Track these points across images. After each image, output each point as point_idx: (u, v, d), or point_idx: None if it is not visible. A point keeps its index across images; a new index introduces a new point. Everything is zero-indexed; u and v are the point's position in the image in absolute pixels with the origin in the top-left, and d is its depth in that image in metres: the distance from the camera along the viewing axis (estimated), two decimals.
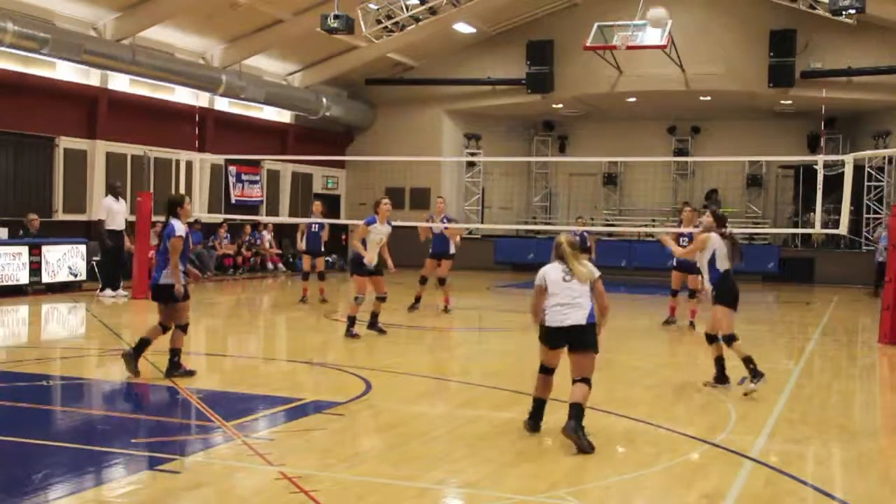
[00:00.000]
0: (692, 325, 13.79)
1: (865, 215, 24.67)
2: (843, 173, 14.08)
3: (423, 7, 22.09)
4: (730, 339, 8.82)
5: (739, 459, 6.43)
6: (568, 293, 6.87)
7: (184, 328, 9.00)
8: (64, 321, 14.72)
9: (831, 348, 13.00)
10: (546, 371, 7.10)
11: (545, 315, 6.92)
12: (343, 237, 28.29)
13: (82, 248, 17.83)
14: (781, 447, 6.92)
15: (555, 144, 30.71)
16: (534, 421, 7.10)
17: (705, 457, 6.59)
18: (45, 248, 17.08)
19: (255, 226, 24.37)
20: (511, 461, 6.24)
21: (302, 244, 17.07)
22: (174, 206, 8.96)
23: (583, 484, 5.89)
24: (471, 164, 28.56)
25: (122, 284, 16.97)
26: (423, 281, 15.41)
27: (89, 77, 20.01)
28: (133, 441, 6.72)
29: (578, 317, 6.82)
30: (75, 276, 17.63)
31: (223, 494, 5.48)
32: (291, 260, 25.64)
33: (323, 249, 17.19)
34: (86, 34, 19.25)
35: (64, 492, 5.37)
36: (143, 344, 8.91)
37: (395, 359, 10.91)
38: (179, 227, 8.80)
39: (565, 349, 6.97)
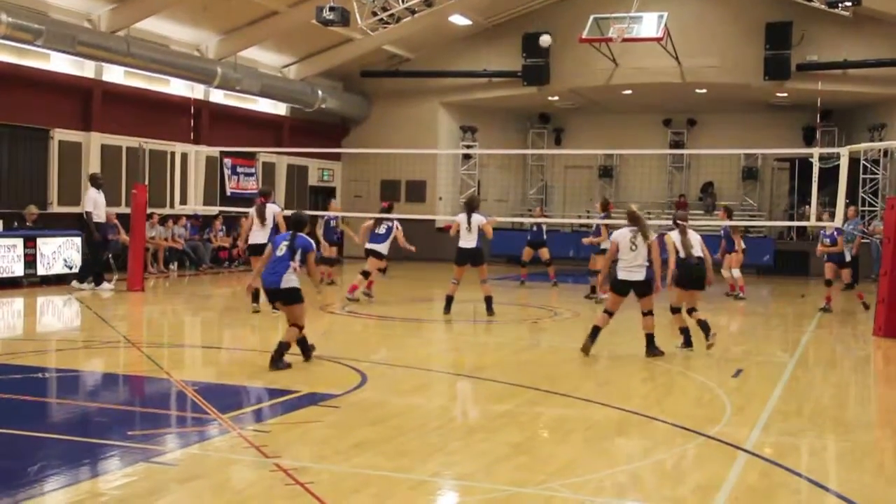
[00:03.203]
0: (826, 309, 15.68)
1: (861, 208, 24.71)
2: (838, 166, 14.12)
3: None
4: (674, 310, 11.02)
5: (734, 452, 6.44)
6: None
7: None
8: (59, 313, 14.70)
9: (826, 341, 13.03)
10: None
11: None
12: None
13: (77, 240, 17.77)
14: (776, 439, 6.94)
15: (550, 137, 30.68)
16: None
17: (700, 449, 6.61)
18: (40, 241, 17.04)
19: None
20: (506, 454, 6.25)
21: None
22: (302, 226, 9.55)
23: (577, 476, 5.90)
24: (466, 157, 28.53)
25: (104, 277, 16.80)
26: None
27: (84, 69, 19.95)
28: (129, 433, 6.72)
29: None
30: (70, 268, 17.57)
31: (219, 486, 5.49)
32: None
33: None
34: (80, 25, 19.18)
35: (59, 484, 5.37)
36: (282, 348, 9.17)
37: (390, 351, 10.93)
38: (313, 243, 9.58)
39: None
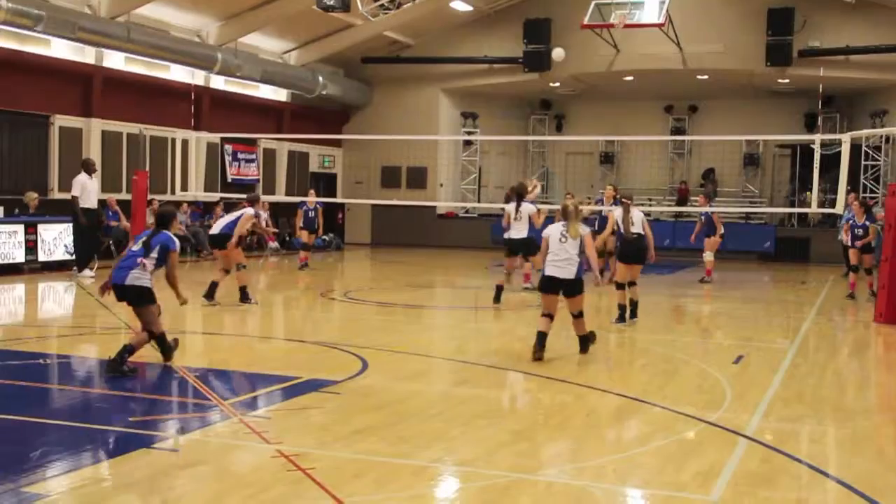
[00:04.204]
0: (851, 296, 15.51)
1: (862, 195, 24.66)
2: (840, 152, 14.11)
3: None
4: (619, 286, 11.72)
5: (734, 438, 6.45)
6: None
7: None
8: (60, 300, 14.72)
9: (826, 327, 13.04)
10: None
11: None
12: (339, 216, 28.30)
13: None
14: (776, 425, 6.95)
15: (552, 123, 30.65)
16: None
17: (700, 435, 6.62)
18: (41, 227, 17.06)
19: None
20: (506, 440, 6.26)
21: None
22: (167, 222, 8.71)
23: (577, 462, 5.92)
24: (468, 143, 28.49)
25: (92, 266, 16.68)
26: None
27: (84, 55, 19.90)
28: (131, 419, 6.74)
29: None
30: (71, 254, 17.57)
31: (220, 472, 5.50)
32: (287, 239, 25.63)
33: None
34: (80, 11, 19.11)
35: (61, 469, 5.38)
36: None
37: (391, 337, 10.93)
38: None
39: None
